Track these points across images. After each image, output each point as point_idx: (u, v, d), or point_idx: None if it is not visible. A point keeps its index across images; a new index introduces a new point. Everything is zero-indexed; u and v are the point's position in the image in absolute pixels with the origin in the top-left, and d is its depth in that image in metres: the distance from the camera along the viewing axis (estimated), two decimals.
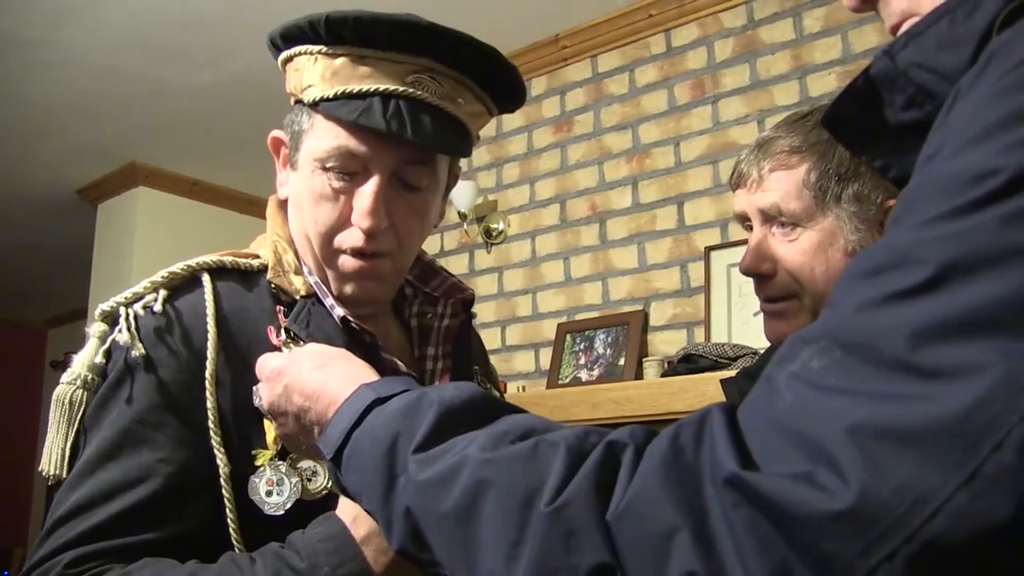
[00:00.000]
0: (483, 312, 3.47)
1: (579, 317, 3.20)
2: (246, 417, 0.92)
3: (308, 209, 0.99)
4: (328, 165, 0.97)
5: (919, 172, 0.51)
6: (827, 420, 0.44)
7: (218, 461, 0.90)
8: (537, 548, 0.52)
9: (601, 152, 3.28)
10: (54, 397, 0.93)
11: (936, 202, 0.47)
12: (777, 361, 0.50)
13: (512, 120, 3.57)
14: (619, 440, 0.55)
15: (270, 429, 0.92)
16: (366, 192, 0.96)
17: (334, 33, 0.94)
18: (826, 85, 2.74)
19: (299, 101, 1.01)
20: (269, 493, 0.91)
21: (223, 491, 0.89)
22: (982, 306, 0.42)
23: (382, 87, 0.94)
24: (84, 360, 0.95)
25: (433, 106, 0.96)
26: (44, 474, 0.91)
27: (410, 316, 1.15)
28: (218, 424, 0.91)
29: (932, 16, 0.57)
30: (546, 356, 3.23)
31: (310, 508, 0.89)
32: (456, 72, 0.98)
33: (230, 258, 1.01)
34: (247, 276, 1.01)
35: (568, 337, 3.15)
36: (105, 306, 0.96)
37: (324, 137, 0.97)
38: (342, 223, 0.98)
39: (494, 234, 3.51)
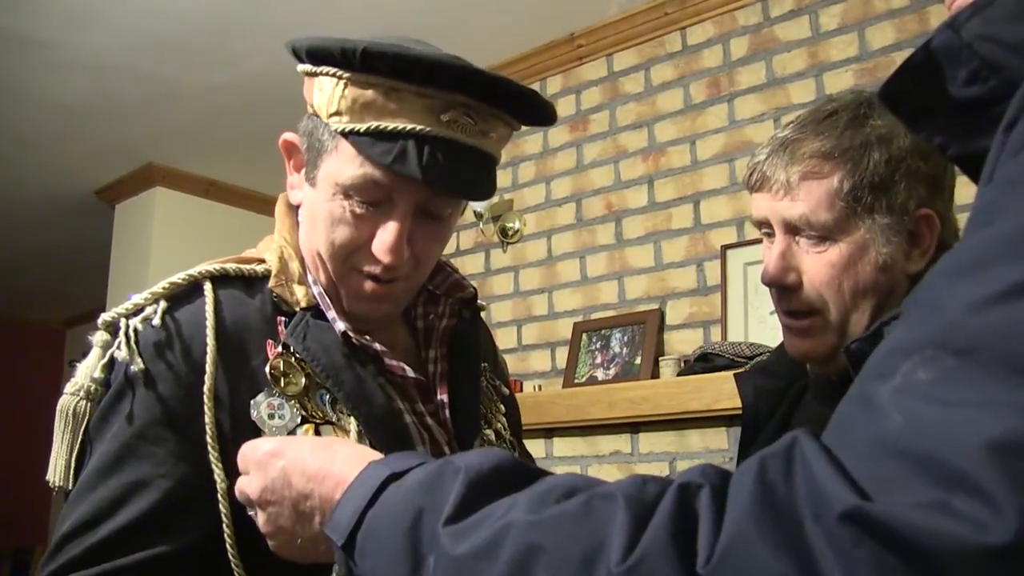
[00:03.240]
0: (499, 311, 3.47)
1: (595, 316, 3.19)
2: (245, 431, 0.90)
3: (323, 229, 0.97)
4: (351, 193, 0.94)
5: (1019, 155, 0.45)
6: (955, 438, 0.38)
7: (215, 476, 0.89)
8: None
9: (617, 151, 3.27)
10: (58, 408, 0.93)
11: None
12: (869, 377, 0.45)
13: None
14: (691, 482, 0.49)
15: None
16: (390, 228, 0.94)
17: (368, 63, 0.89)
18: (843, 83, 2.71)
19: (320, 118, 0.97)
20: (271, 416, 0.91)
21: (220, 506, 0.88)
22: None
23: (416, 127, 0.89)
24: (87, 371, 0.94)
25: (467, 146, 0.92)
26: (51, 484, 0.92)
27: (416, 317, 1.13)
28: (216, 439, 0.90)
29: None
30: (562, 355, 3.22)
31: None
32: (490, 106, 0.93)
33: (233, 265, 1.00)
34: (250, 283, 1.00)
35: (584, 336, 3.14)
36: (107, 316, 0.95)
37: (349, 165, 0.93)
38: (360, 245, 0.96)
39: (510, 233, 3.51)
